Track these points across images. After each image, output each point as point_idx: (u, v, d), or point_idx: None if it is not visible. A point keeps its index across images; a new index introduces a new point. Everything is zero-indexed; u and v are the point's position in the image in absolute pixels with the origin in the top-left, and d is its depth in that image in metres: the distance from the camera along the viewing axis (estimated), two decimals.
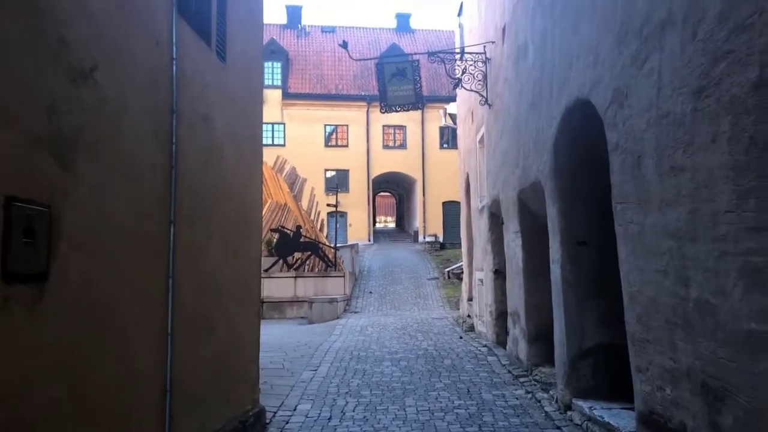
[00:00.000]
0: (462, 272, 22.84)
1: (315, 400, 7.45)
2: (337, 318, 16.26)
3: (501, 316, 10.63)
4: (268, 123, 42.16)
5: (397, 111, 10.86)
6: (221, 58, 5.63)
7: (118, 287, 3.68)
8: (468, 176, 14.02)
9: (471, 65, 10.60)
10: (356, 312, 17.89)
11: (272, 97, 42.32)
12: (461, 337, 12.00)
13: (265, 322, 17.46)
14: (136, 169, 3.98)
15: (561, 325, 6.58)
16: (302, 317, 17.36)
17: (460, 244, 36.94)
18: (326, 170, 40.47)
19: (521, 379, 8.07)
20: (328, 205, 20.78)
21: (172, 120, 4.50)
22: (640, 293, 4.51)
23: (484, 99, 10.47)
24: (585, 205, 6.50)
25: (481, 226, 11.84)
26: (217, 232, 5.39)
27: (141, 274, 3.99)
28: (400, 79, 10.40)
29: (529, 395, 7.39)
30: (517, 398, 7.31)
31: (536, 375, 7.98)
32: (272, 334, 13.43)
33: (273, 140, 41.79)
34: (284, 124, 42.33)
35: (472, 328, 12.93)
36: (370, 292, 20.80)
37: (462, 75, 10.64)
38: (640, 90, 4.35)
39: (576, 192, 6.52)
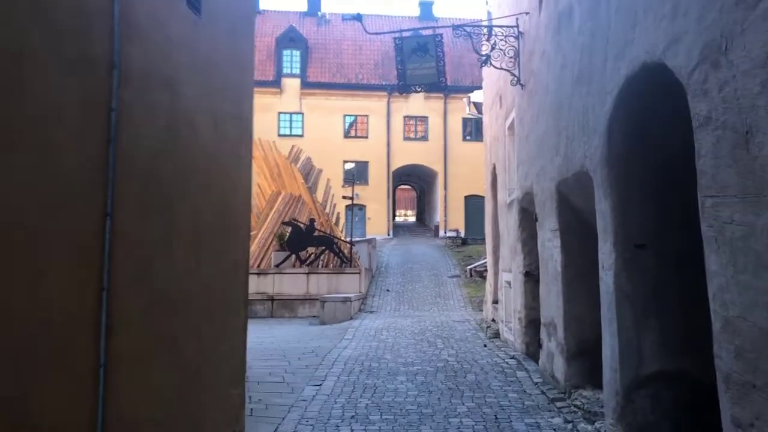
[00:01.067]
0: (485, 270, 21.60)
1: (315, 425, 6.32)
2: (351, 319, 15.14)
3: (531, 324, 9.42)
4: (286, 113, 41.22)
5: (417, 91, 9.68)
6: (195, 10, 4.49)
7: (4, 308, 2.57)
8: (495, 168, 12.78)
9: (501, 40, 9.36)
10: (372, 312, 16.77)
11: (291, 87, 41.33)
12: (485, 345, 10.81)
13: (274, 321, 16.45)
14: (43, 139, 2.85)
15: (613, 345, 5.37)
16: (314, 316, 16.28)
17: (482, 239, 35.62)
18: (345, 162, 39.40)
19: (558, 404, 6.87)
20: (344, 197, 19.64)
21: (111, 78, 3.37)
22: (743, 320, 3.30)
23: (515, 78, 9.23)
24: (646, 200, 5.27)
25: (509, 222, 10.62)
26: (183, 230, 4.26)
27: (50, 286, 2.86)
28: (421, 55, 9.20)
29: (569, 425, 6.19)
30: (554, 429, 6.12)
31: (576, 399, 6.77)
32: (278, 337, 12.35)
33: (291, 130, 40.93)
34: (303, 114, 41.32)
35: (497, 335, 11.73)
36: (387, 290, 19.66)
37: (491, 51, 9.40)
38: (752, 38, 3.12)
39: (634, 183, 5.30)
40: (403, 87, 9.41)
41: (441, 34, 9.50)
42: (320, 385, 7.87)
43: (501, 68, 9.39)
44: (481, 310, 16.77)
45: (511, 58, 9.40)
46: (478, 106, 22.56)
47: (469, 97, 22.67)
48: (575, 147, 6.30)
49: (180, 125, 4.22)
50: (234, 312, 5.14)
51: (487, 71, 13.62)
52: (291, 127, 40.97)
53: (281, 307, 17.53)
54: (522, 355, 9.42)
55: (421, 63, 9.23)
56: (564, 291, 7.09)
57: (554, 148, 7.19)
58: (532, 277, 9.46)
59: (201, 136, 4.54)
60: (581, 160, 6.08)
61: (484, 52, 9.34)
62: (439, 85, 9.50)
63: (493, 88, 12.49)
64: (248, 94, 5.55)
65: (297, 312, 17.47)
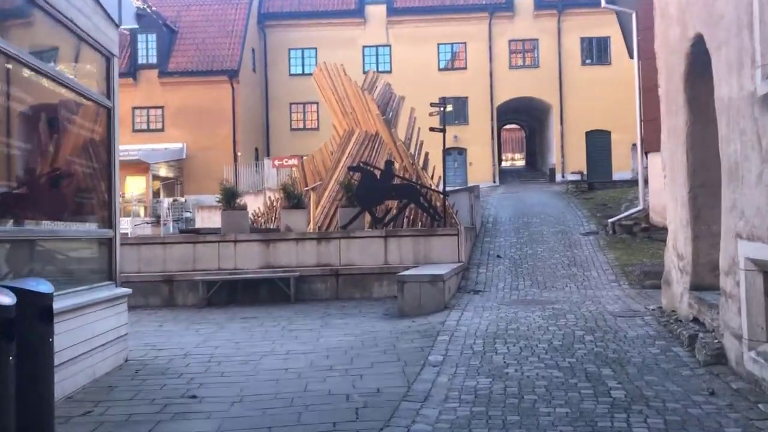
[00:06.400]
0: (636, 224, 15.62)
1: None
2: (445, 308, 9.88)
3: None
4: (371, 46, 35.77)
5: None
6: None
7: None
8: (696, 40, 6.92)
9: None
10: (477, 292, 11.44)
11: (376, 15, 35.69)
12: (713, 393, 5.25)
13: (336, 308, 10.80)
14: None
15: None
16: (394, 296, 11.06)
17: (610, 183, 28.84)
18: (441, 99, 33.68)
19: None
20: (432, 129, 14.17)
21: None
22: None
23: None
24: None
25: None
26: None
27: None
28: None
29: None
30: None
31: None
32: (319, 353, 7.31)
33: (378, 66, 35.37)
34: (390, 46, 35.74)
35: (719, 357, 6.06)
36: (498, 257, 14.21)
37: None
38: None
39: None
40: None
41: None
42: None
43: None
44: (643, 286, 11.15)
45: None
46: None
47: None
48: None
49: None
50: None
51: None
52: (378, 62, 35.50)
53: (349, 284, 12.56)
54: None
55: None
56: None
57: None
58: None
59: None
60: None
61: None
62: None
63: None
64: None
65: (372, 291, 12.47)
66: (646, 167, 16.11)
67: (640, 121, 15.71)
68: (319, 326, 9.30)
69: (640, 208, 15.90)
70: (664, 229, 15.40)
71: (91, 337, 6.20)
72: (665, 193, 8.94)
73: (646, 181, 16.08)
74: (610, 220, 15.92)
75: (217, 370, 6.71)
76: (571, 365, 6.23)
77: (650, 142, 15.45)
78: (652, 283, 11.13)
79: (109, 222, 7.05)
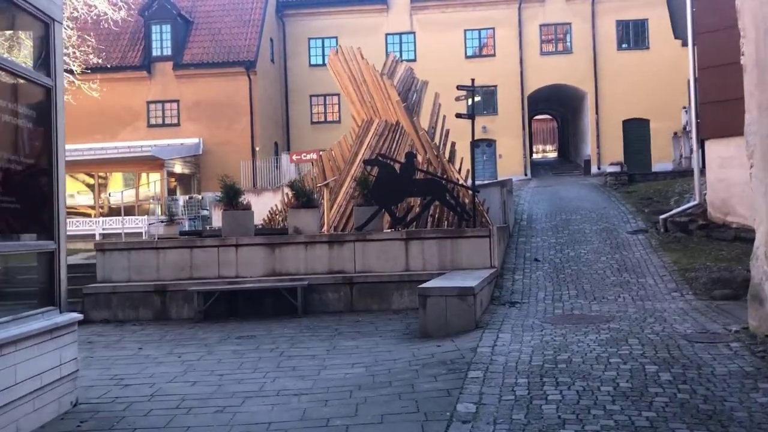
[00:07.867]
0: (692, 221, 13.76)
1: None
2: (476, 328, 8.22)
3: None
4: (394, 34, 34.13)
5: None
6: None
7: None
8: None
9: None
10: (513, 304, 9.76)
11: (399, 1, 33.98)
12: None
13: (347, 324, 8.84)
14: None
15: None
16: (416, 308, 9.39)
17: (651, 174, 26.78)
18: (472, 81, 31.82)
19: None
20: (459, 115, 12.47)
21: None
22: None
23: None
24: None
25: None
26: None
27: None
28: None
29: None
30: None
31: None
32: (317, 388, 5.76)
33: (401, 54, 33.46)
34: (414, 33, 34.04)
35: None
36: (536, 260, 12.49)
37: None
38: None
39: None
40: None
41: None
42: None
43: None
44: (711, 297, 9.44)
45: None
46: None
47: None
48: None
49: None
50: None
51: None
52: (401, 51, 33.71)
53: (366, 294, 10.99)
54: None
55: None
56: None
57: None
58: None
59: None
60: None
61: None
62: None
63: None
64: None
65: (391, 302, 10.88)
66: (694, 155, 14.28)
67: (697, 104, 13.82)
68: (324, 351, 7.74)
69: (696, 202, 14.04)
70: (726, 227, 13.56)
71: (10, 385, 4.72)
72: (752, 185, 7.16)
73: (701, 172, 14.20)
74: (662, 217, 14.04)
75: (181, 422, 5.18)
76: (651, 424, 4.56)
77: (708, 128, 13.60)
78: (723, 293, 9.40)
79: (50, 231, 5.56)
